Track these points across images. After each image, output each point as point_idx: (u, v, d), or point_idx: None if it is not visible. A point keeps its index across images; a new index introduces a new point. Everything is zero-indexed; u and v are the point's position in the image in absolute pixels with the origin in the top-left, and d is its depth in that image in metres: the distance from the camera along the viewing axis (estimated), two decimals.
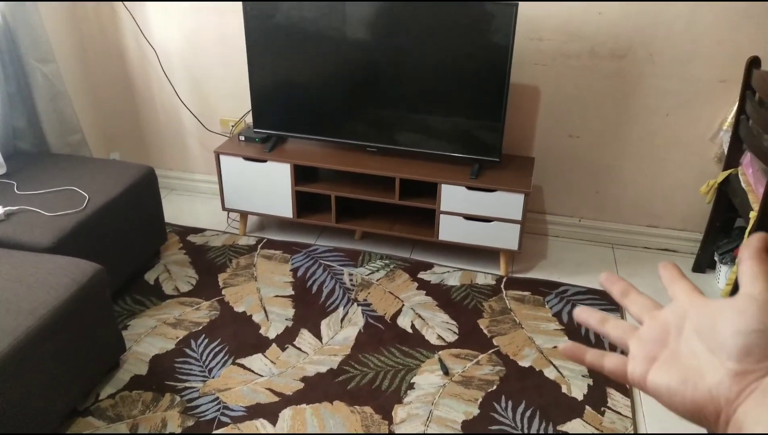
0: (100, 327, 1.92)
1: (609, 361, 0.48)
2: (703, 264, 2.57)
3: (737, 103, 2.26)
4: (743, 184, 2.22)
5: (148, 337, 2.18)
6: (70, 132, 2.70)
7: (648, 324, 0.47)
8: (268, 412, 1.89)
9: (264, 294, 2.41)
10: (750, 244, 0.43)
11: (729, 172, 2.35)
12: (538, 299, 2.40)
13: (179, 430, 1.82)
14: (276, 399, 1.94)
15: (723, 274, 2.46)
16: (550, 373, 2.05)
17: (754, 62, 2.18)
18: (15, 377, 1.58)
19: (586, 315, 0.53)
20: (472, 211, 2.45)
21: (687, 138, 2.49)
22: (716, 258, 2.50)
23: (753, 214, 2.06)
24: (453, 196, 2.43)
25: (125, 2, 2.80)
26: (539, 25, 2.41)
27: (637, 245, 2.75)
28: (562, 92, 2.53)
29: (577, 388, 2.00)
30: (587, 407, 1.93)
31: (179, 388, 1.97)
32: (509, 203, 2.38)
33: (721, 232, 2.50)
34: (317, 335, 2.20)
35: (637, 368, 0.45)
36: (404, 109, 2.46)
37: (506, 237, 2.45)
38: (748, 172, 2.21)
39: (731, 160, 2.34)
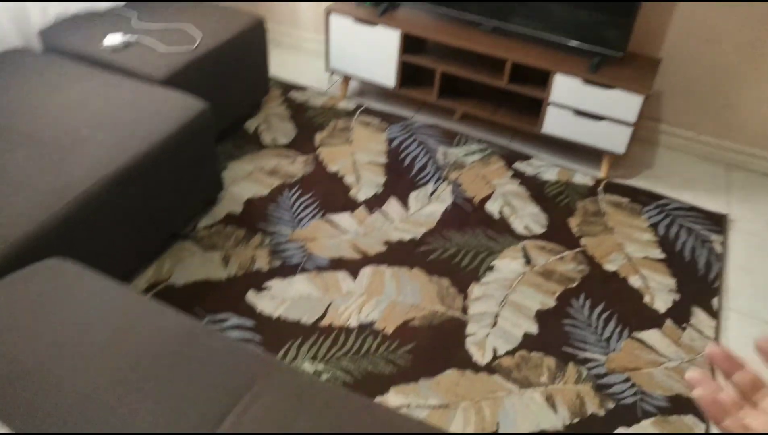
0: (203, 162, 2.01)
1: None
2: None
3: None
4: None
5: (244, 181, 2.27)
6: None
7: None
8: (350, 267, 1.96)
9: (357, 158, 2.43)
10: None
11: None
12: (635, 208, 2.30)
13: (267, 268, 1.93)
14: (358, 256, 2.00)
15: None
16: (635, 282, 2.00)
17: None
18: (128, 194, 1.69)
19: (701, 383, 0.50)
20: (583, 107, 2.31)
21: None
22: None
23: None
24: (566, 88, 2.30)
25: None
26: None
27: (757, 170, 2.54)
28: None
29: (662, 301, 1.95)
30: (668, 320, 1.89)
31: (269, 231, 2.06)
32: (625, 103, 2.23)
33: None
34: (404, 205, 2.22)
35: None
36: None
37: (614, 139, 2.32)
38: None
39: None
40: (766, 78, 2.35)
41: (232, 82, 2.39)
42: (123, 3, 2.42)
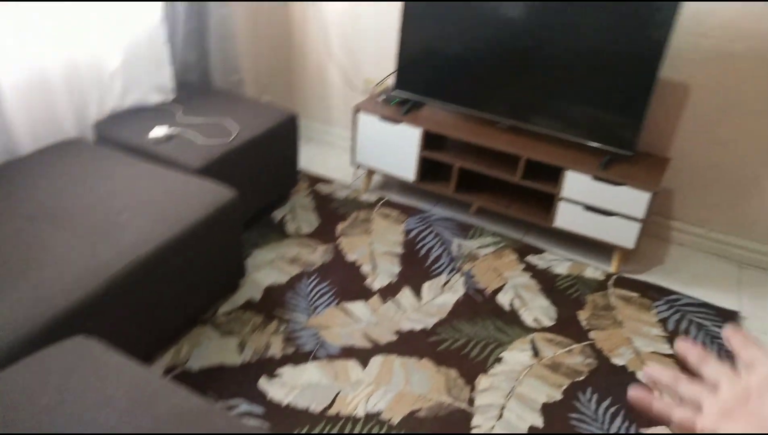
0: (228, 249, 2.15)
1: (678, 413, 0.49)
2: None
3: None
4: None
5: (265, 268, 2.40)
6: (232, 72, 2.96)
7: (728, 387, 0.48)
8: (361, 356, 2.03)
9: (375, 248, 2.54)
10: None
11: None
12: (645, 303, 2.32)
13: (280, 355, 2.01)
14: (369, 345, 2.07)
15: None
16: (643, 376, 2.01)
17: None
18: (155, 277, 1.83)
19: (657, 373, 0.53)
20: (593, 202, 2.40)
21: None
22: None
23: None
24: (577, 184, 2.40)
25: None
26: (704, 19, 2.27)
27: None
28: (717, 95, 2.38)
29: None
30: None
31: (285, 318, 2.16)
32: (633, 200, 2.31)
33: None
34: (417, 295, 2.31)
35: (708, 421, 0.46)
36: (544, 90, 2.44)
37: (623, 234, 2.39)
38: None
39: None
40: None
41: (262, 174, 2.57)
42: (171, 98, 2.67)
